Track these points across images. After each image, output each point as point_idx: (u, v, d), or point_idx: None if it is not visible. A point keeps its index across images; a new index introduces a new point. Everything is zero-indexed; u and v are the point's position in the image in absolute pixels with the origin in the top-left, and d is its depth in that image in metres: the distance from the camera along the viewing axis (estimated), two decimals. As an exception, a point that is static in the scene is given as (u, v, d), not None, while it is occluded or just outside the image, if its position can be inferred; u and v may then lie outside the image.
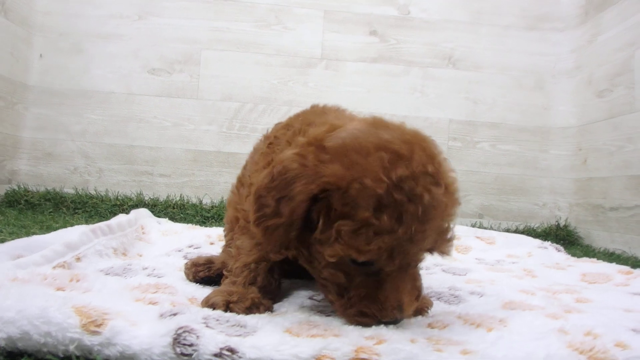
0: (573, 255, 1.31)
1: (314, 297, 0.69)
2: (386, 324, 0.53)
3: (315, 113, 0.74)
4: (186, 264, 0.79)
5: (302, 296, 0.70)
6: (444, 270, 0.99)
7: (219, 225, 1.54)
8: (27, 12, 1.80)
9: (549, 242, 1.37)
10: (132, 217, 1.11)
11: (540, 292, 0.79)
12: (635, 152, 1.54)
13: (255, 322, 0.51)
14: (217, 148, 1.89)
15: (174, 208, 1.73)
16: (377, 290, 0.54)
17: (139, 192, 1.82)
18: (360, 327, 0.53)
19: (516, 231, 1.78)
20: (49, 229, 1.18)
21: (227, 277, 0.66)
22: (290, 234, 0.53)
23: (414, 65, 1.95)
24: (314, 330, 0.50)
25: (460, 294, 0.73)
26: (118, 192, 1.80)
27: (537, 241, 1.37)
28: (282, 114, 1.83)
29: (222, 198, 1.83)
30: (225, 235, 0.86)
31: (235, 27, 1.92)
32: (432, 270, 0.99)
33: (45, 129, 1.85)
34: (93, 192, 1.78)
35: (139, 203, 1.72)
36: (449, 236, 0.56)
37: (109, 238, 0.88)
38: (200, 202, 1.81)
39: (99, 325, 0.44)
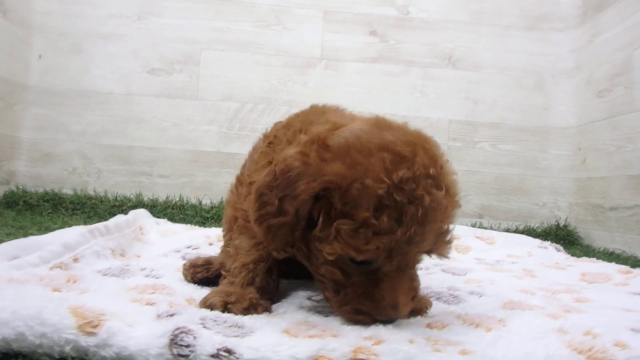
0: (573, 255, 1.31)
1: (313, 298, 0.69)
2: (381, 322, 0.54)
3: (315, 112, 0.74)
4: (184, 264, 0.79)
5: (300, 297, 0.69)
6: (443, 270, 0.99)
7: (218, 226, 1.54)
8: (26, 13, 1.80)
9: (549, 242, 1.36)
10: (131, 217, 1.10)
11: (540, 292, 0.79)
12: (634, 151, 1.54)
13: (253, 323, 0.51)
14: (217, 148, 1.89)
15: (173, 209, 1.73)
16: (373, 288, 0.54)
17: (138, 192, 1.82)
18: (359, 327, 0.52)
19: (516, 231, 1.77)
20: (47, 230, 1.18)
21: (225, 278, 0.66)
22: (295, 232, 0.53)
23: (413, 65, 1.95)
24: (312, 330, 0.50)
25: (460, 294, 0.73)
26: (117, 193, 1.80)
27: (537, 241, 1.37)
28: (282, 114, 1.82)
29: (222, 199, 1.82)
30: (224, 236, 0.86)
31: (235, 27, 1.91)
32: (431, 270, 0.99)
33: (44, 129, 1.84)
34: (92, 193, 1.78)
35: (138, 204, 1.71)
36: (448, 238, 0.56)
37: (107, 239, 0.87)
38: (200, 203, 1.81)
39: (95, 326, 0.44)
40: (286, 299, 0.68)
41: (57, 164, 1.84)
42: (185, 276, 0.77)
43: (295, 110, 0.79)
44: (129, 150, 1.86)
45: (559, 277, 1.00)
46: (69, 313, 0.45)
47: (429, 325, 0.56)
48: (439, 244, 0.55)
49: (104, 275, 0.72)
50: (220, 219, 1.67)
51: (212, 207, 1.77)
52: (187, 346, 0.43)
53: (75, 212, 1.64)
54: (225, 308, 0.57)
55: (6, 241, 0.84)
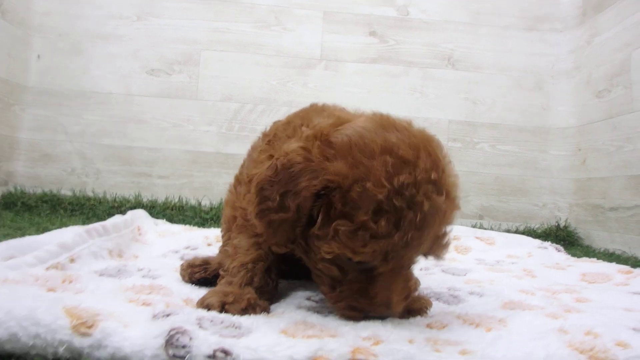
0: (573, 256, 1.31)
1: (312, 298, 0.68)
2: (375, 318, 0.54)
3: (315, 111, 0.74)
4: (182, 264, 0.79)
5: (299, 297, 0.69)
6: (443, 271, 0.99)
7: (218, 227, 1.53)
8: (26, 13, 1.79)
9: (549, 243, 1.36)
10: (129, 218, 1.10)
11: (540, 292, 0.79)
12: (634, 152, 1.53)
13: (250, 323, 0.51)
14: (217, 149, 1.89)
15: (172, 210, 1.73)
16: (368, 286, 0.54)
17: (137, 193, 1.81)
18: (358, 327, 0.52)
19: (516, 232, 1.77)
20: (45, 231, 1.17)
21: (223, 277, 0.65)
22: (296, 229, 0.53)
23: (413, 65, 1.95)
24: (310, 330, 0.50)
25: (460, 294, 0.73)
26: (116, 194, 1.79)
27: (537, 241, 1.37)
28: (282, 115, 1.80)
29: (221, 199, 1.82)
30: (222, 235, 0.85)
31: (235, 27, 1.91)
32: (431, 271, 0.98)
33: (43, 130, 1.84)
34: (91, 194, 1.77)
35: (137, 205, 1.71)
36: (445, 241, 0.56)
37: (105, 239, 0.87)
38: (199, 204, 1.80)
39: (89, 327, 0.43)
40: (285, 299, 0.68)
41: (56, 165, 1.84)
42: (183, 276, 0.77)
43: (295, 110, 0.79)
44: (128, 151, 1.86)
45: (559, 277, 0.99)
46: (63, 313, 0.44)
47: (428, 326, 0.56)
48: (436, 247, 0.56)
49: (101, 275, 0.72)
50: (220, 220, 1.67)
51: (211, 208, 1.76)
52: (183, 347, 0.43)
53: (73, 213, 1.64)
54: (223, 308, 0.56)
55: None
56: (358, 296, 0.55)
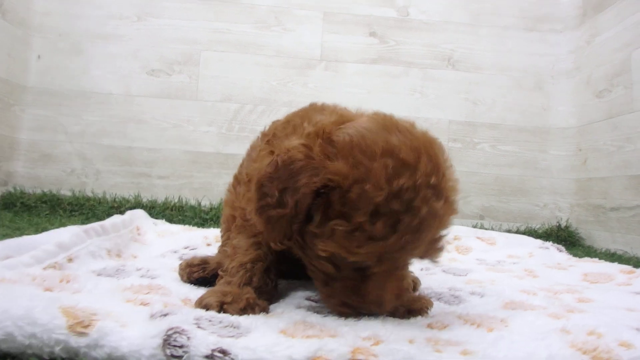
0: (574, 256, 1.30)
1: (312, 298, 0.68)
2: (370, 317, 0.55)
3: (315, 110, 0.74)
4: (180, 264, 0.78)
5: (299, 297, 0.68)
6: (444, 271, 0.98)
7: (217, 227, 1.52)
8: (26, 13, 1.79)
9: (550, 243, 1.35)
10: (127, 217, 1.09)
11: (542, 292, 0.78)
12: (634, 151, 1.53)
13: (249, 323, 0.50)
14: (217, 149, 1.88)
15: (172, 210, 1.72)
16: (361, 284, 0.55)
17: (137, 194, 1.81)
18: (357, 327, 0.52)
19: (517, 232, 1.76)
20: (44, 231, 1.16)
21: (222, 277, 0.65)
22: (293, 225, 0.53)
23: (413, 66, 1.94)
24: (310, 331, 0.49)
25: (461, 295, 0.72)
26: (115, 194, 1.79)
27: (538, 241, 1.36)
28: (282, 115, 1.81)
29: (221, 200, 1.81)
30: (221, 236, 0.85)
31: (235, 28, 1.91)
32: (432, 271, 0.98)
33: (43, 130, 1.84)
34: (90, 195, 1.77)
35: (137, 205, 1.70)
36: (440, 245, 0.56)
37: (103, 239, 0.86)
38: (199, 204, 1.79)
39: (86, 327, 0.43)
40: (284, 299, 0.67)
41: (56, 165, 1.83)
42: (182, 276, 0.76)
43: (295, 111, 0.79)
44: (128, 151, 1.85)
45: (560, 277, 0.99)
46: (60, 313, 0.44)
47: (429, 326, 0.56)
48: (431, 250, 0.56)
49: (99, 275, 0.71)
50: (219, 220, 1.66)
51: (211, 209, 1.76)
52: (181, 347, 0.42)
53: (73, 213, 1.63)
54: (221, 308, 0.56)
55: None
56: (351, 293, 0.55)
